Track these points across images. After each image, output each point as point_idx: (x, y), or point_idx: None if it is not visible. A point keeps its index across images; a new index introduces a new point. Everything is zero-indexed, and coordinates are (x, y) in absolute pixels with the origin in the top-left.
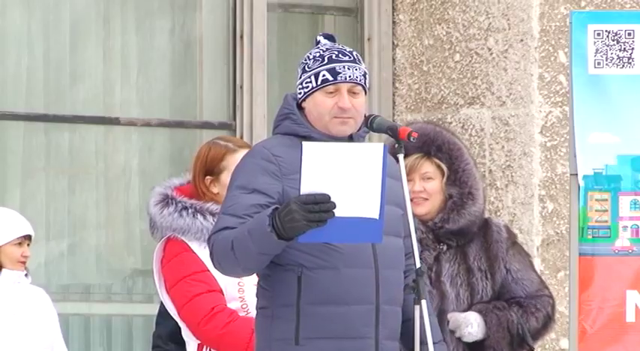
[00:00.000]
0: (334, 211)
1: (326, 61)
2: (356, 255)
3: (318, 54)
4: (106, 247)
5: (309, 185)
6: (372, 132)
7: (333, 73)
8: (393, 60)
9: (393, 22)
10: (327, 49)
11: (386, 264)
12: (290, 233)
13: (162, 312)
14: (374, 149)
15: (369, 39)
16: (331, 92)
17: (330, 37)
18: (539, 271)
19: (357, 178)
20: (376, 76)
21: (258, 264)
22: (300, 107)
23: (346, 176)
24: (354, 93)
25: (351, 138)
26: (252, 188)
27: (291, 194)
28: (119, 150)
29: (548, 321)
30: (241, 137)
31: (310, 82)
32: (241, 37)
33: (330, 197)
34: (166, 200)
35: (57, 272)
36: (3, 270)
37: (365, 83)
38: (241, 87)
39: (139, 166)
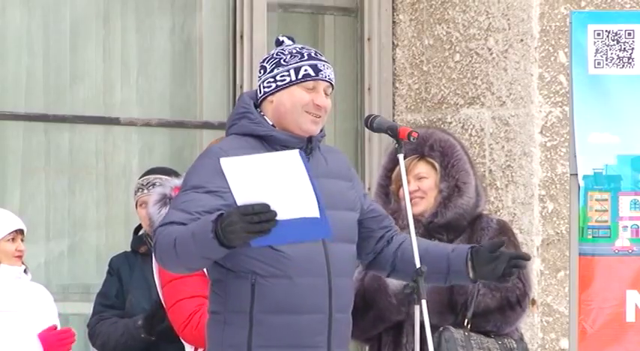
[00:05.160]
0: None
1: (306, 57)
2: (309, 263)
3: (295, 50)
4: (106, 247)
5: (243, 197)
6: (372, 132)
7: (315, 69)
8: (393, 60)
9: (393, 22)
10: (302, 47)
11: (338, 272)
12: (232, 243)
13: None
14: (290, 156)
15: (369, 39)
16: (310, 88)
17: (291, 39)
18: (538, 271)
19: (285, 184)
20: (376, 76)
21: (200, 265)
22: (256, 106)
23: (273, 183)
24: (326, 94)
25: (309, 140)
26: (207, 189)
27: None
28: (119, 150)
29: (504, 306)
30: None
31: (288, 75)
32: (241, 37)
33: (269, 206)
34: (164, 200)
35: (57, 272)
36: (1, 265)
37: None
38: (241, 87)
39: (139, 166)
